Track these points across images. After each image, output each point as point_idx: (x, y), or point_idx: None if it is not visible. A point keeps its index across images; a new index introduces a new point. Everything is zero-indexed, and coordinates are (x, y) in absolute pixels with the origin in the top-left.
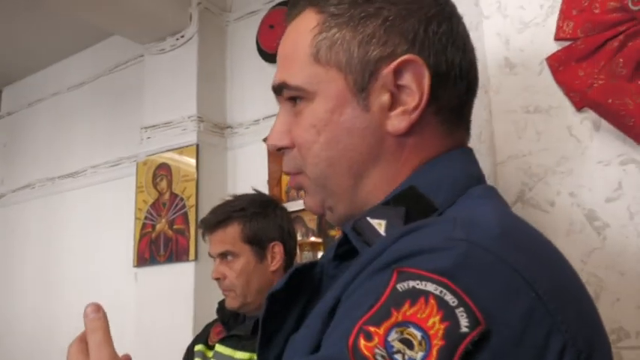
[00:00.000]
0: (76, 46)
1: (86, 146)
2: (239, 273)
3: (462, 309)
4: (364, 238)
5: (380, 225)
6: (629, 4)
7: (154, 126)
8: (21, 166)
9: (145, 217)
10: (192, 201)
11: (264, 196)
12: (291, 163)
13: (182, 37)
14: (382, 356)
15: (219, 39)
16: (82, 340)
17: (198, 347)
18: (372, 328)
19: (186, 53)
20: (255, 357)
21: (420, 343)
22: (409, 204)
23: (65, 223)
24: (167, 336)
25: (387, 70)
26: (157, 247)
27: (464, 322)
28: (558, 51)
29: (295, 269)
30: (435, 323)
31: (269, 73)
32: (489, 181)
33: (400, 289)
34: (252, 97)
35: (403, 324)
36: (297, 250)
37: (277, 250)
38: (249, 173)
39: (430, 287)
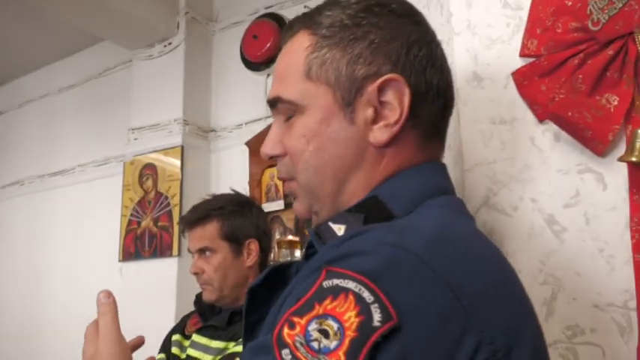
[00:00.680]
0: (67, 49)
1: (75, 146)
2: (216, 268)
3: (376, 305)
4: (323, 241)
5: (340, 229)
6: (589, 26)
7: (141, 128)
8: (11, 164)
9: (131, 214)
10: (176, 200)
11: (242, 196)
12: (283, 170)
13: (170, 44)
14: (301, 343)
15: (205, 47)
16: (97, 322)
17: (176, 337)
18: (295, 319)
19: (173, 60)
20: (229, 346)
21: (335, 334)
22: (369, 211)
23: (53, 218)
24: (150, 327)
25: (372, 88)
26: (141, 242)
27: (377, 317)
28: (523, 67)
29: (272, 267)
30: (351, 317)
31: (252, 81)
32: (458, 187)
33: (325, 286)
34: (236, 102)
35: (323, 316)
36: (276, 248)
37: (253, 247)
38: (231, 174)
39: (351, 285)
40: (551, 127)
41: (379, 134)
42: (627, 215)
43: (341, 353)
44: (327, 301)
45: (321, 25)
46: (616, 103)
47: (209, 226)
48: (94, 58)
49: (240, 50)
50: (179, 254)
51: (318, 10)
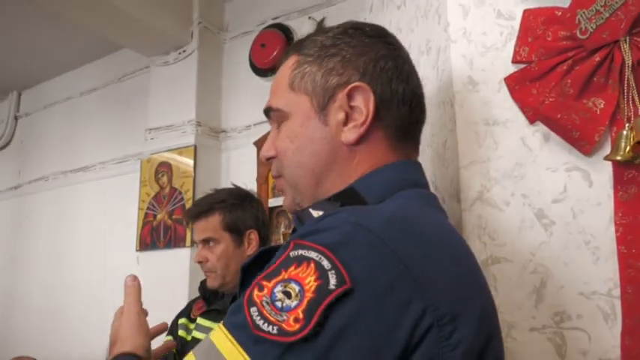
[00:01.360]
0: (90, 56)
1: (96, 145)
2: (219, 257)
3: (333, 272)
4: (302, 223)
5: (317, 214)
6: (577, 34)
7: (157, 128)
8: (36, 161)
9: (148, 208)
10: (189, 195)
11: (242, 190)
12: (274, 169)
13: (184, 51)
14: (267, 302)
15: (217, 54)
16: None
17: (182, 320)
18: (264, 282)
19: (187, 66)
20: None
21: (296, 295)
22: (345, 199)
23: (75, 212)
24: (165, 311)
25: (342, 94)
26: (157, 234)
27: (333, 281)
28: (515, 72)
29: (262, 249)
30: (311, 281)
31: (259, 85)
32: (454, 183)
33: (291, 256)
34: (245, 105)
35: (287, 280)
36: (282, 240)
37: (253, 237)
38: (240, 172)
39: (313, 255)
40: (541, 128)
41: (349, 134)
42: (612, 210)
43: (300, 311)
44: (292, 268)
45: (306, 48)
46: (602, 106)
47: (212, 218)
48: (114, 64)
49: (249, 57)
50: (192, 245)
51: (308, 37)
